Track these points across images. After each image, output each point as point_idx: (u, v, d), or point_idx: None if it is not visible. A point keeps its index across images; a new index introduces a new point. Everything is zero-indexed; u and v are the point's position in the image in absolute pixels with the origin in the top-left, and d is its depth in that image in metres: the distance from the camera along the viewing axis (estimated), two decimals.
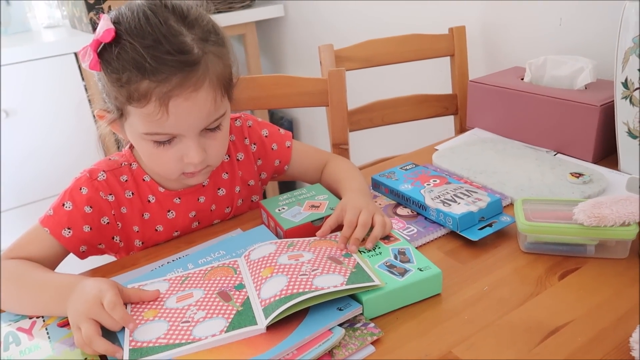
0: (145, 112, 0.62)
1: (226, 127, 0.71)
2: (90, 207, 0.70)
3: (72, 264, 0.73)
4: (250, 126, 0.84)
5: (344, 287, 0.55)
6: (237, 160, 0.82)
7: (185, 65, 0.61)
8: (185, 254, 0.70)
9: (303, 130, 2.09)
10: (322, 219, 0.71)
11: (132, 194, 0.74)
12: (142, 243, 0.77)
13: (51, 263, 0.70)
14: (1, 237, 1.55)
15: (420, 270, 0.58)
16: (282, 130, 0.87)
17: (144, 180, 0.75)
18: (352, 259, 0.61)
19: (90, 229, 0.71)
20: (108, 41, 0.61)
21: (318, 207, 0.74)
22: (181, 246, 0.74)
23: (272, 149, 0.84)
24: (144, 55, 0.60)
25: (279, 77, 1.02)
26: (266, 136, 0.84)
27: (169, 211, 0.76)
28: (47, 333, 0.58)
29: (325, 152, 0.90)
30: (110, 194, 0.72)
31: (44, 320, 0.60)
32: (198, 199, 0.78)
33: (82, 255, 0.73)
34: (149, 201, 0.75)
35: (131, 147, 0.77)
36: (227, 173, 0.81)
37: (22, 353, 0.55)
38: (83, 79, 1.54)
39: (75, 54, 1.52)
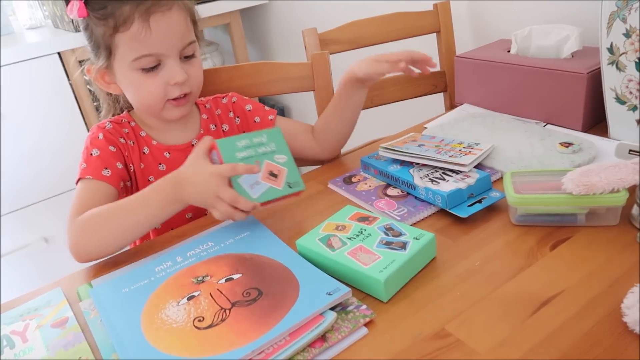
0: (131, 33, 0.73)
1: (199, 59, 0.82)
2: (113, 146, 0.81)
3: (67, 264, 0.72)
4: (234, 102, 0.93)
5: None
6: (223, 130, 0.91)
7: None
8: (175, 248, 0.70)
9: (295, 116, 2.08)
10: (277, 199, 0.69)
11: (133, 143, 0.84)
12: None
13: None
14: (1, 242, 1.55)
15: (417, 239, 0.60)
16: (267, 108, 0.93)
17: (140, 135, 0.85)
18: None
19: (121, 165, 0.81)
20: None
21: (277, 176, 0.70)
22: (172, 240, 0.74)
23: (255, 121, 0.90)
24: None
25: (263, 64, 1.01)
26: (249, 110, 0.91)
27: (160, 164, 0.85)
28: (41, 334, 0.58)
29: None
30: (121, 137, 0.83)
31: (37, 322, 0.60)
32: (186, 157, 0.84)
33: (123, 192, 0.82)
34: (144, 152, 0.85)
35: (128, 110, 0.88)
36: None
37: (17, 356, 0.55)
38: (69, 78, 1.53)
39: (59, 54, 1.50)
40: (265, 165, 0.70)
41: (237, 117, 0.92)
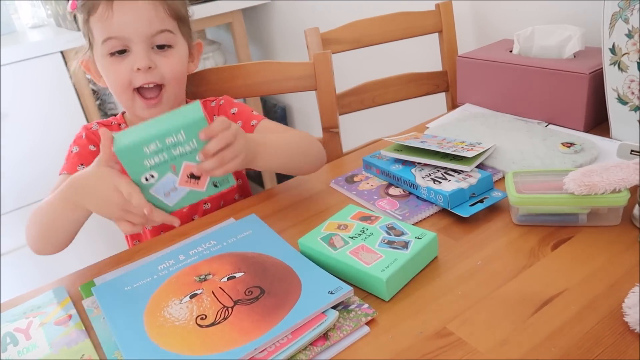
0: (98, 15, 0.75)
1: (180, 52, 0.81)
2: (94, 145, 0.83)
3: (70, 262, 0.73)
4: (221, 104, 0.91)
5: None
6: None
7: None
8: (177, 246, 0.70)
9: (297, 116, 2.08)
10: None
11: None
12: None
13: None
14: (1, 240, 1.55)
15: (418, 238, 0.60)
16: (255, 112, 0.89)
17: None
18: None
19: None
20: None
21: (198, 178, 0.61)
22: (174, 239, 0.74)
23: None
24: None
25: (265, 64, 1.01)
26: (233, 114, 0.89)
27: None
28: (44, 332, 0.58)
29: (295, 130, 0.87)
30: None
31: (40, 320, 0.60)
32: None
33: None
34: None
35: (123, 112, 0.89)
36: None
37: (20, 353, 0.55)
38: (71, 77, 1.53)
39: (62, 53, 1.51)
40: (183, 168, 0.60)
41: None
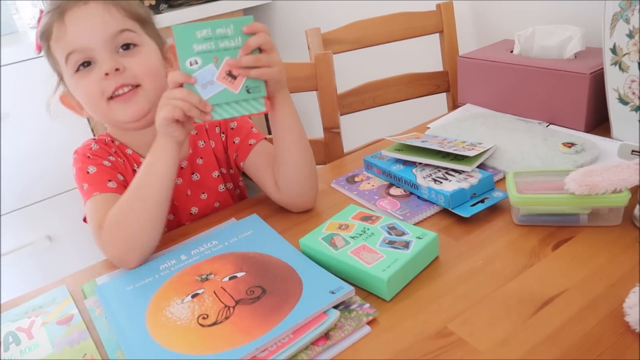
0: (55, 38, 0.72)
1: (148, 49, 0.77)
2: (107, 161, 0.79)
3: (71, 262, 0.73)
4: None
5: None
6: (212, 147, 0.86)
7: None
8: (179, 246, 0.70)
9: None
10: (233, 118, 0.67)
11: (123, 160, 0.81)
12: None
13: None
14: (1, 240, 1.55)
15: (419, 238, 0.60)
16: (255, 130, 0.86)
17: (127, 153, 0.82)
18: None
19: (122, 177, 0.79)
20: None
21: (235, 78, 0.64)
22: (176, 238, 0.74)
23: (234, 142, 0.85)
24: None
25: None
26: (232, 128, 0.86)
27: None
28: (46, 331, 0.58)
29: None
30: (109, 155, 0.80)
31: (42, 319, 0.60)
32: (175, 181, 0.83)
33: None
34: (134, 170, 0.81)
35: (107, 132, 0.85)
36: (201, 158, 0.84)
37: (22, 352, 0.56)
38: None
39: None
40: (224, 63, 0.64)
41: (223, 132, 0.86)
